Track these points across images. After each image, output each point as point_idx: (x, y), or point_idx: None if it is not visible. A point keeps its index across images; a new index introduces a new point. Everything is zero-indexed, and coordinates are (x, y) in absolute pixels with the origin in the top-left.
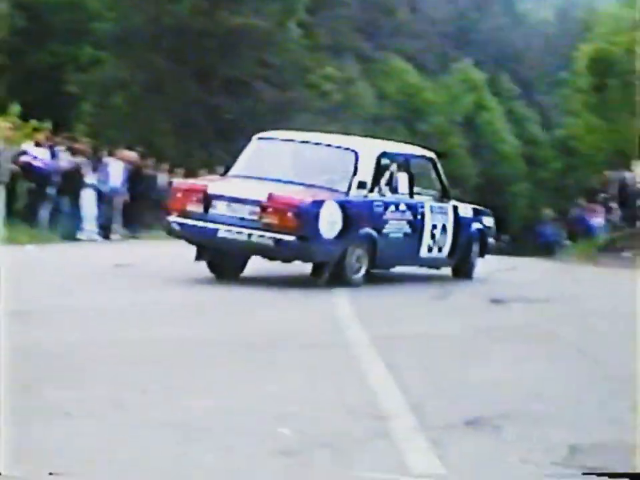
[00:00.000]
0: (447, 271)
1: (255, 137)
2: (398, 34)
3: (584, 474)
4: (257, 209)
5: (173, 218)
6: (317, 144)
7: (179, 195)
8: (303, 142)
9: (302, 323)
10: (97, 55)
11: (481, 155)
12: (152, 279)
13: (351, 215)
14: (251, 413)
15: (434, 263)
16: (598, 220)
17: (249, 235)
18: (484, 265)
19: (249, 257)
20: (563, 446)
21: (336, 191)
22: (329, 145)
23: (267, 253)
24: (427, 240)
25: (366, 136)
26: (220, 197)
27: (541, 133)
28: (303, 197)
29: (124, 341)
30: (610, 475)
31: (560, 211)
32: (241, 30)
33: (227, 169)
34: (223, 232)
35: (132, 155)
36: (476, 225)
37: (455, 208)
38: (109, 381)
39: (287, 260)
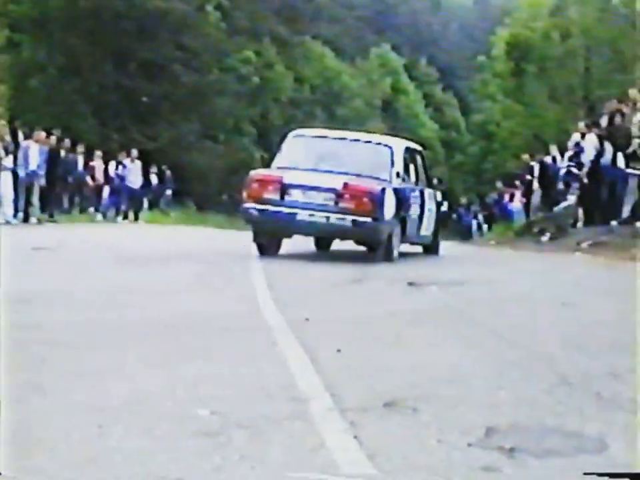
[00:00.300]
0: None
1: (290, 134)
2: (316, 18)
3: (585, 474)
4: (333, 196)
5: (250, 205)
6: (355, 140)
7: (255, 184)
8: (340, 138)
9: (220, 306)
10: (13, 38)
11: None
12: (70, 262)
13: (398, 199)
14: (168, 396)
15: (425, 241)
16: (516, 204)
17: (327, 218)
18: (402, 248)
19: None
20: (479, 427)
21: (384, 180)
22: (368, 142)
23: (343, 234)
24: (425, 221)
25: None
26: (296, 186)
27: (459, 117)
28: (373, 185)
29: (35, 325)
30: (611, 475)
31: (479, 194)
32: (159, 13)
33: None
34: (302, 216)
35: (49, 138)
36: (443, 208)
37: (436, 193)
38: (29, 366)
39: (358, 239)
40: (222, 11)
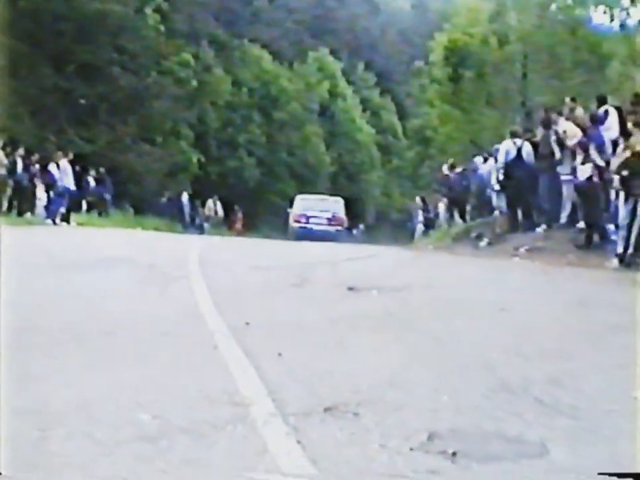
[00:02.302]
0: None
1: (297, 197)
2: (255, 22)
3: (600, 474)
4: (327, 221)
5: (295, 225)
6: (325, 199)
7: (296, 217)
8: (320, 199)
9: (160, 310)
10: None
11: (336, 143)
12: (8, 266)
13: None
14: (109, 401)
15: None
16: (442, 211)
17: (326, 229)
18: (340, 253)
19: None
20: (421, 432)
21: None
22: (332, 197)
23: (332, 236)
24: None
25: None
26: (312, 217)
27: (396, 122)
28: (342, 215)
29: None
30: (619, 476)
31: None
32: (98, 15)
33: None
34: (316, 229)
35: None
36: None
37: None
38: None
39: (337, 237)
40: (160, 13)
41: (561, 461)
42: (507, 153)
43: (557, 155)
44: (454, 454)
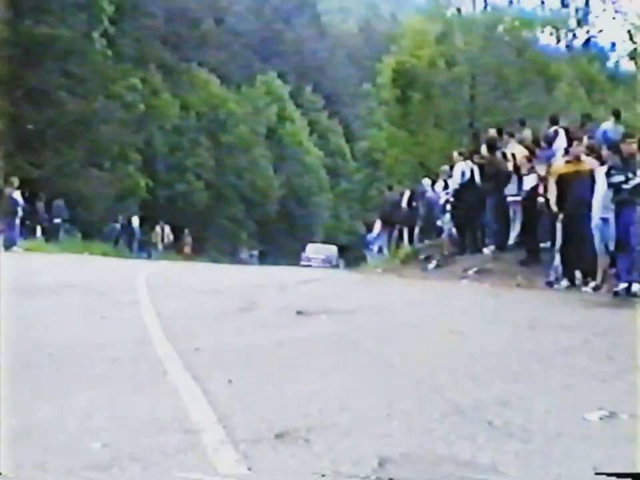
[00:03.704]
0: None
1: (308, 245)
2: (202, 45)
3: (597, 474)
4: (321, 260)
5: (304, 261)
6: (322, 247)
7: (305, 255)
8: (320, 247)
9: (108, 335)
10: None
11: (284, 166)
12: None
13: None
14: (59, 428)
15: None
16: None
17: (323, 264)
18: (289, 277)
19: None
20: (372, 457)
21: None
22: (328, 245)
23: (325, 268)
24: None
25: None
26: (313, 258)
27: (344, 144)
28: (335, 255)
29: None
30: (619, 476)
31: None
32: (45, 39)
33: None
34: (314, 264)
35: None
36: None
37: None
38: None
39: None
40: (107, 37)
41: None
42: (463, 175)
43: (511, 176)
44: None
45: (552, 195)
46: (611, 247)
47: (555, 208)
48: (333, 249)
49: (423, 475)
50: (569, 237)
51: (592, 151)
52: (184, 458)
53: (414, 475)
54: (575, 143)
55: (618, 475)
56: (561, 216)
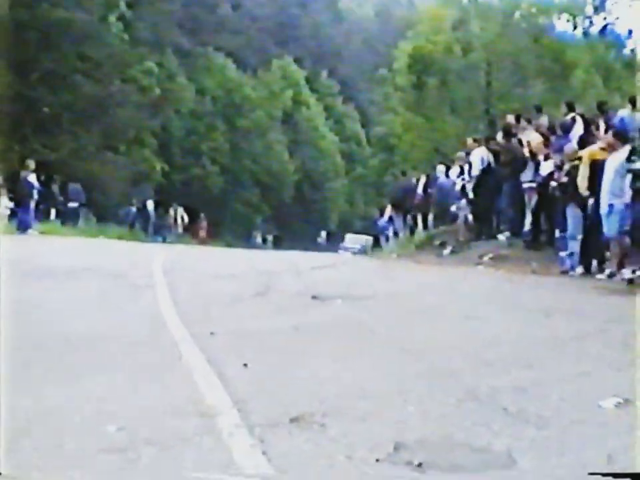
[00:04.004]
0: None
1: (347, 235)
2: (219, 30)
3: (590, 474)
4: (357, 249)
5: (341, 249)
6: (359, 237)
7: (343, 245)
8: (357, 237)
9: (124, 320)
10: None
11: (299, 151)
12: None
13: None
14: (74, 412)
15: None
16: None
17: (359, 252)
18: (304, 261)
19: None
20: (387, 442)
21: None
22: (362, 235)
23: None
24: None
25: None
26: (350, 248)
27: (359, 129)
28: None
29: None
30: (614, 475)
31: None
32: (62, 23)
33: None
34: (352, 252)
35: None
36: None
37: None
38: None
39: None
40: (124, 21)
41: (527, 471)
42: (482, 161)
43: (527, 162)
44: (420, 465)
45: (584, 179)
46: (625, 233)
47: (585, 192)
48: (369, 239)
49: (437, 460)
50: (592, 223)
51: (619, 138)
52: (199, 442)
53: (429, 460)
54: (602, 130)
55: (615, 475)
56: (590, 201)
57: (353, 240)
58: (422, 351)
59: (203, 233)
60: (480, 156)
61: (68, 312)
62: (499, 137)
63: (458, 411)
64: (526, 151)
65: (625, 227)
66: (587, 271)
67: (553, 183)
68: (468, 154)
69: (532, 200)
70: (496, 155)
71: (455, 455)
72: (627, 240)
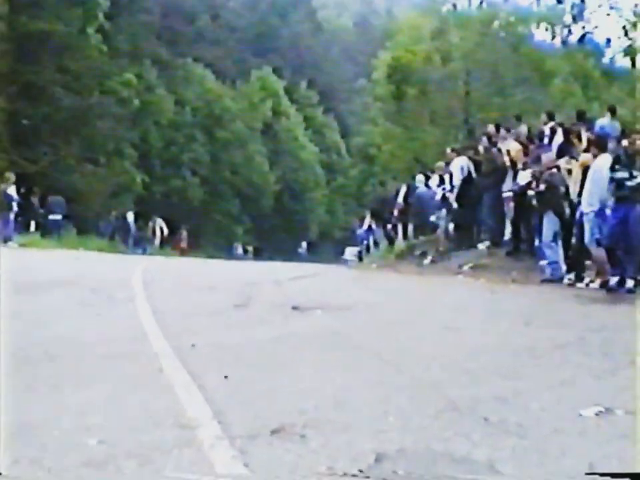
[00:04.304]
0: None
1: (347, 248)
2: (197, 41)
3: (587, 474)
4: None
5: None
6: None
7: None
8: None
9: (104, 332)
10: None
11: (280, 162)
12: None
13: None
14: (53, 425)
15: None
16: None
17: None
18: (285, 272)
19: None
20: (368, 454)
21: None
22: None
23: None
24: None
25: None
26: (350, 261)
27: (339, 140)
28: None
29: None
30: (612, 475)
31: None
32: (41, 35)
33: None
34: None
35: None
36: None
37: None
38: None
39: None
40: (103, 33)
41: None
42: (462, 170)
43: (508, 172)
44: (402, 476)
45: (575, 184)
46: (605, 242)
47: (576, 198)
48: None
49: (419, 471)
50: (570, 231)
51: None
52: (180, 454)
53: (410, 471)
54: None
55: (614, 475)
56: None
57: (351, 252)
58: (402, 361)
59: (183, 244)
60: (460, 165)
61: (48, 324)
62: (481, 146)
63: (438, 421)
64: (506, 160)
65: (596, 236)
66: (578, 278)
67: (531, 192)
68: (448, 164)
69: (511, 209)
70: (476, 164)
71: (436, 465)
72: (600, 250)
